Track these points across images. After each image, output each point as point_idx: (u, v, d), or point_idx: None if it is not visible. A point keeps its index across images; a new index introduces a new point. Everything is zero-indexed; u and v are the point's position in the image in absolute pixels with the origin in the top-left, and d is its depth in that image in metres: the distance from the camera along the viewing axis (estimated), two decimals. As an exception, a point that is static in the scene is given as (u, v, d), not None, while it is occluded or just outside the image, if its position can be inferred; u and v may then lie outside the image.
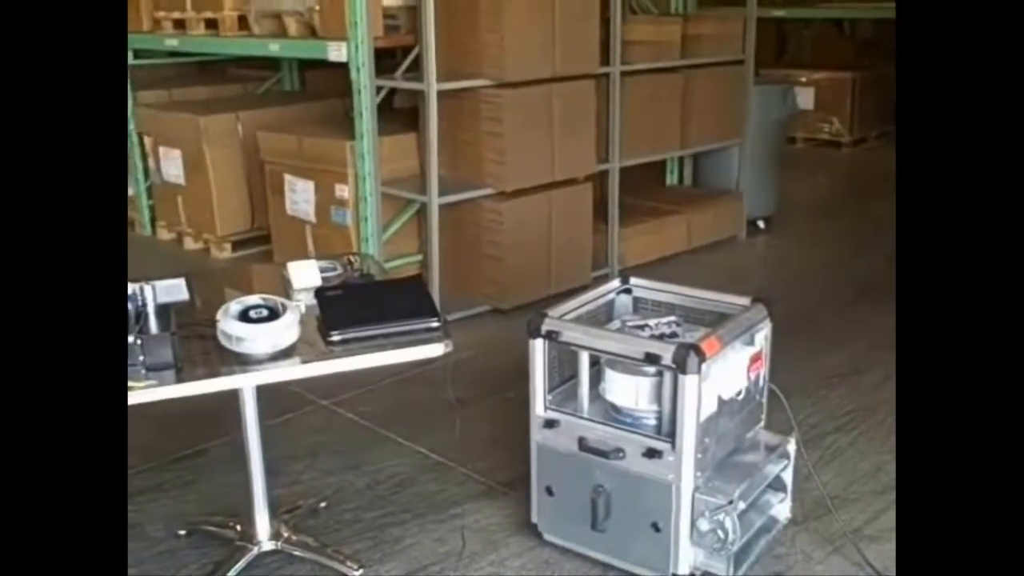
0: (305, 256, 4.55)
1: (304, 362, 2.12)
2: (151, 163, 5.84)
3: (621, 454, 2.33)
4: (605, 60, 4.68)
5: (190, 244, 5.71)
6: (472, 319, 4.32)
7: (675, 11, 5.83)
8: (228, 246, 5.52)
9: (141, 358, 2.00)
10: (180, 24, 5.27)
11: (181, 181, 5.61)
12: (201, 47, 5.28)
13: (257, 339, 2.05)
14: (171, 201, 5.75)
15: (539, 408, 2.48)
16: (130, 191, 6.09)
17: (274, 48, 4.72)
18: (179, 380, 2.01)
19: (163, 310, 2.18)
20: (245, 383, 2.28)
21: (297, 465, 3.08)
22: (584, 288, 2.80)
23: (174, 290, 2.37)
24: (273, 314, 2.11)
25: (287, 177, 4.86)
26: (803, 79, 8.49)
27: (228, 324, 2.07)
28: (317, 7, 4.36)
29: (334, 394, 3.53)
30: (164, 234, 5.91)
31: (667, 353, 2.22)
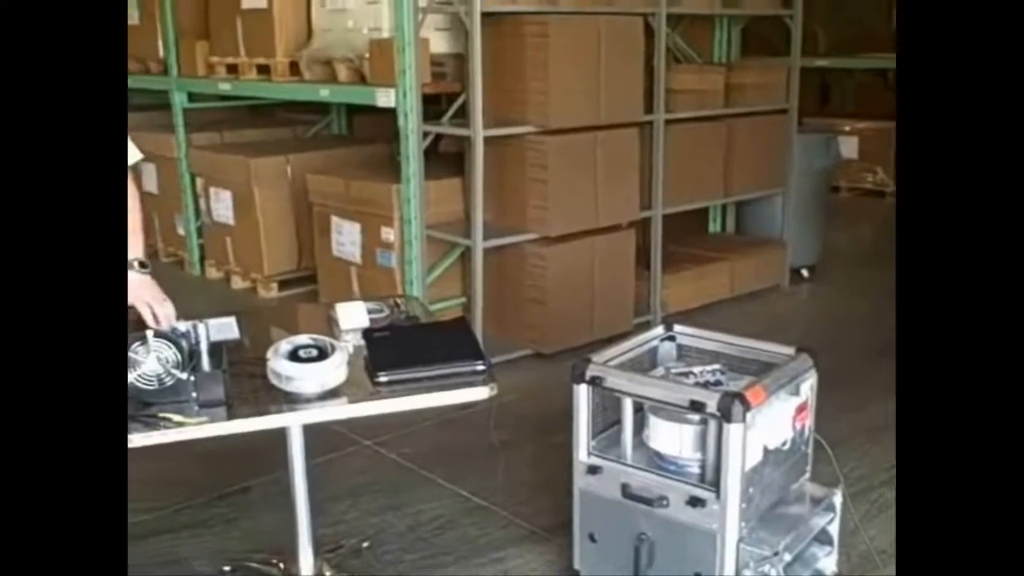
0: (350, 297, 4.62)
1: (352, 402, 2.15)
2: (202, 203, 5.97)
3: (665, 502, 2.32)
4: (649, 108, 4.72)
5: (238, 283, 5.81)
6: (514, 363, 4.34)
7: (719, 60, 5.88)
8: (275, 286, 5.61)
9: (194, 394, 2.04)
10: (233, 69, 5.42)
11: (230, 221, 5.73)
12: (253, 91, 5.42)
13: (306, 379, 2.08)
14: (220, 241, 5.86)
15: (582, 454, 2.48)
16: (180, 230, 6.23)
17: (324, 93, 4.84)
18: (230, 417, 2.04)
19: (215, 348, 2.22)
20: (293, 422, 2.31)
21: (340, 505, 3.10)
22: (626, 334, 2.81)
23: (225, 328, 2.42)
24: (322, 354, 2.14)
25: (334, 219, 4.94)
26: (847, 128, 8.48)
27: (278, 363, 2.10)
28: (367, 54, 4.46)
29: (377, 434, 3.56)
30: (213, 273, 6.02)
31: (712, 401, 2.22)
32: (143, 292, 2.25)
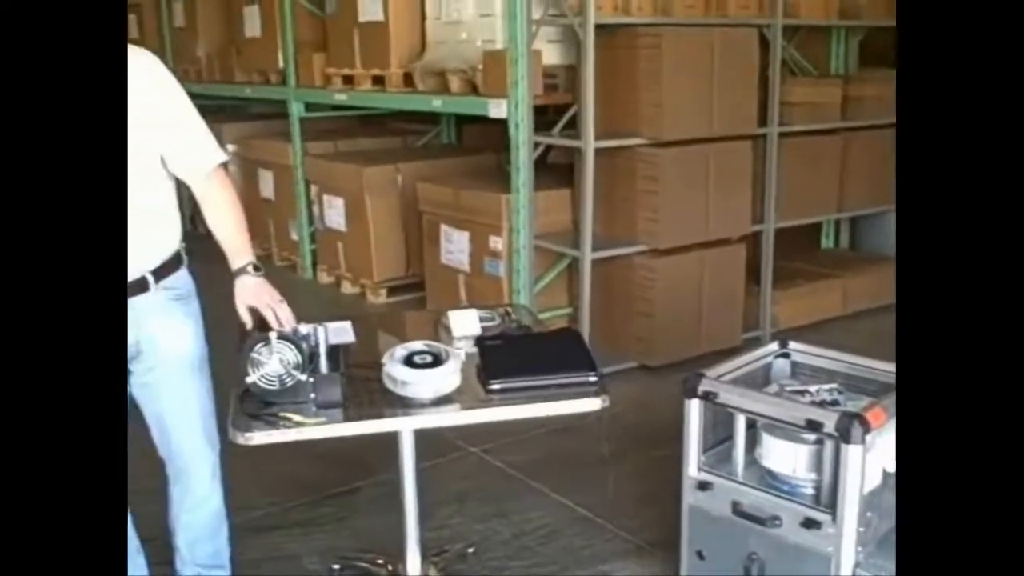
0: (457, 304, 4.68)
1: (464, 409, 2.17)
2: (315, 210, 6.13)
3: (777, 522, 2.27)
4: (763, 121, 4.64)
5: (348, 288, 5.94)
6: (619, 374, 4.31)
7: (835, 72, 5.74)
8: (383, 291, 5.72)
9: (313, 396, 2.09)
10: (349, 80, 5.55)
11: (342, 228, 5.87)
12: (368, 102, 5.56)
13: (421, 384, 2.11)
14: (332, 246, 6.01)
15: (692, 469, 2.45)
16: (294, 235, 6.42)
17: (437, 104, 4.92)
18: (346, 419, 2.08)
19: (333, 351, 2.27)
20: (407, 426, 2.34)
21: (445, 509, 3.13)
22: (735, 350, 2.77)
23: (342, 332, 2.48)
24: (436, 360, 2.17)
25: (443, 227, 5.01)
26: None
27: (394, 368, 2.14)
28: (480, 66, 4.52)
29: (483, 441, 3.59)
30: (324, 277, 6.18)
31: (830, 421, 2.16)
32: (262, 294, 2.28)
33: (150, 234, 2.23)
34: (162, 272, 2.24)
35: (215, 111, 8.14)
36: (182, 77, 8.05)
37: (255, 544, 2.93)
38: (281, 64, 6.17)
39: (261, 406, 2.07)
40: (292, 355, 2.10)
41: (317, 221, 6.17)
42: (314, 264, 6.31)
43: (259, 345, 2.09)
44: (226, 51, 7.03)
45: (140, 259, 2.19)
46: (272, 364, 2.09)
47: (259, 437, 1.98)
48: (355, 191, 5.69)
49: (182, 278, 2.32)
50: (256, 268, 2.30)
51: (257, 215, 6.89)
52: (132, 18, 8.36)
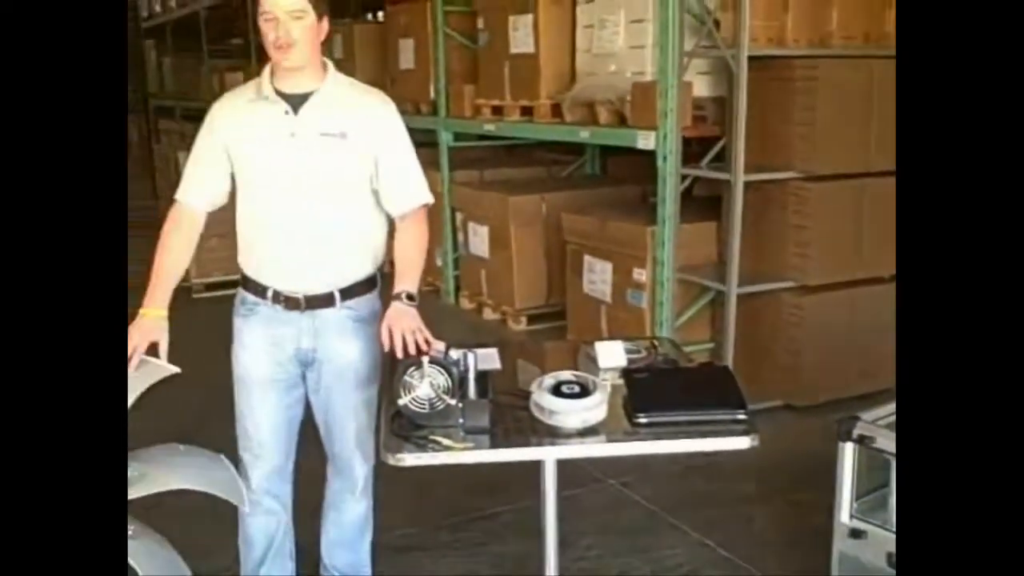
0: (598, 335, 4.68)
1: (610, 441, 2.16)
2: (460, 237, 6.26)
3: (935, 577, 2.16)
4: (923, 155, 4.46)
5: (489, 314, 6.03)
6: (762, 413, 4.19)
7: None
8: (524, 319, 5.77)
9: (461, 420, 2.13)
10: (498, 110, 5.66)
11: (486, 255, 5.97)
12: (516, 132, 5.64)
13: (569, 414, 2.11)
14: (475, 273, 6.12)
15: (844, 515, 2.36)
16: (439, 261, 6.56)
17: (584, 135, 4.95)
18: (493, 445, 2.11)
19: (481, 377, 2.31)
20: (553, 455, 2.34)
21: (584, 540, 3.12)
22: (887, 392, 2.66)
23: (489, 359, 2.51)
24: (584, 391, 2.17)
25: (587, 258, 5.02)
26: None
27: (542, 397, 2.15)
28: (629, 97, 4.52)
29: (622, 474, 3.56)
30: (466, 303, 6.29)
31: (997, 473, 2.05)
32: (405, 319, 2.33)
33: (347, 258, 2.43)
34: (349, 293, 2.43)
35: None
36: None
37: (393, 564, 2.99)
38: (432, 95, 6.35)
39: (411, 428, 2.12)
40: (443, 380, 2.14)
41: (461, 248, 6.30)
42: (457, 290, 6.43)
43: (411, 369, 2.15)
44: (380, 82, 7.27)
45: (333, 278, 2.41)
46: (423, 388, 2.13)
47: (410, 459, 2.03)
48: (500, 219, 5.78)
49: (367, 302, 2.48)
50: (410, 298, 2.38)
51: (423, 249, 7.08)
52: (294, 50, 8.79)
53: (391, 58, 7.00)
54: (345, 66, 7.82)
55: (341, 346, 2.45)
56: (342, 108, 2.37)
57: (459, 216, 6.28)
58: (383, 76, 7.23)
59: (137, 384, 2.19)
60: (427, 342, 2.28)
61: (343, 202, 2.40)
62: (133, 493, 2.04)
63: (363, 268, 2.46)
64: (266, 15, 2.26)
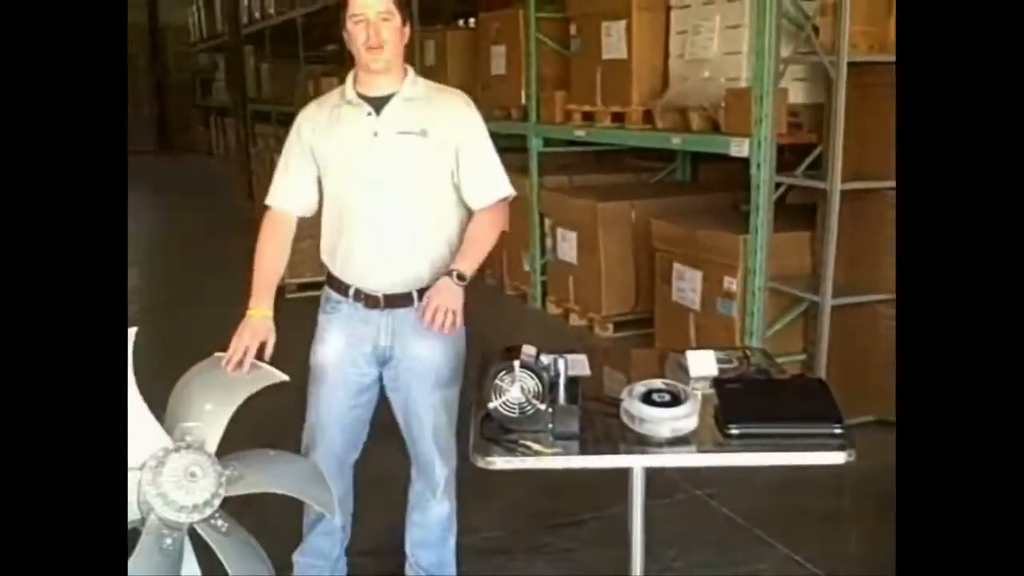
0: (686, 343, 4.63)
1: (700, 451, 2.13)
2: (548, 242, 6.27)
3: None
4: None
5: (575, 320, 6.02)
6: (855, 427, 4.06)
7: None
8: (611, 326, 5.74)
9: (551, 426, 2.13)
10: (589, 116, 5.66)
11: (573, 261, 5.96)
12: (607, 138, 5.63)
13: (660, 422, 2.10)
14: (562, 279, 6.12)
15: (943, 536, 2.28)
16: (526, 266, 6.58)
17: (676, 141, 4.91)
18: (582, 451, 2.11)
19: (571, 383, 2.31)
20: (642, 463, 2.33)
21: (669, 551, 3.09)
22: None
23: (579, 365, 2.51)
24: (675, 400, 2.15)
25: (676, 265, 4.98)
26: None
27: (632, 404, 2.14)
28: (723, 103, 4.47)
29: (708, 485, 3.52)
30: (552, 309, 6.29)
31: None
32: (442, 297, 2.34)
33: (426, 257, 2.46)
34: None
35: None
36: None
37: (477, 566, 3.01)
38: (523, 100, 6.38)
39: (501, 432, 2.13)
40: (533, 384, 2.15)
41: (549, 253, 6.31)
42: (543, 295, 6.44)
43: (502, 372, 2.16)
44: (471, 88, 7.33)
45: (412, 277, 2.45)
46: (514, 392, 2.14)
47: (500, 462, 2.04)
48: (588, 225, 5.77)
49: None
50: (460, 277, 2.39)
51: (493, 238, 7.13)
52: (387, 56, 8.94)
53: (483, 64, 7.06)
54: (437, 72, 7.99)
55: (418, 345, 2.48)
56: (422, 107, 2.43)
57: (547, 221, 6.29)
58: (474, 82, 7.30)
59: (245, 389, 2.26)
60: (453, 325, 2.33)
61: (424, 200, 2.45)
62: (230, 492, 2.11)
63: (443, 268, 2.46)
64: (356, 17, 2.34)
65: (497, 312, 6.55)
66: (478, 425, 2.16)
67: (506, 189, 2.53)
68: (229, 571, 2.10)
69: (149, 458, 2.02)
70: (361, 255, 2.47)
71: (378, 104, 2.42)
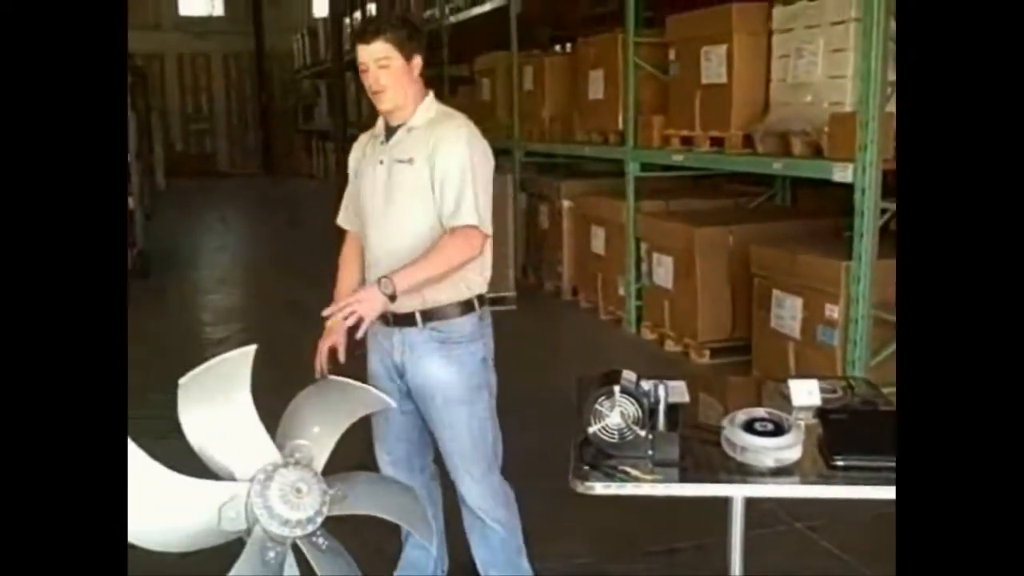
0: (785, 372, 4.54)
1: (803, 483, 2.09)
2: (644, 267, 6.24)
3: None
4: None
5: (670, 346, 5.96)
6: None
7: None
8: (707, 352, 5.67)
9: (650, 452, 2.12)
10: (687, 141, 5.63)
11: (669, 286, 5.92)
12: (706, 163, 5.59)
13: (762, 452, 2.07)
14: (658, 304, 6.08)
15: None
16: (621, 291, 6.55)
17: (777, 166, 4.85)
18: (682, 479, 2.09)
19: (671, 409, 2.29)
20: (743, 493, 2.29)
21: (768, 584, 3.02)
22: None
23: (678, 391, 2.49)
24: (778, 429, 2.12)
25: (775, 292, 4.89)
26: None
27: (734, 433, 2.12)
28: (826, 128, 4.40)
29: (809, 517, 3.43)
30: (647, 334, 6.25)
31: None
32: (358, 299, 2.38)
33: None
34: (431, 315, 2.54)
35: (551, 168, 8.60)
36: (526, 137, 8.57)
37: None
38: (620, 125, 6.38)
39: (599, 457, 2.13)
40: (633, 410, 2.14)
41: (644, 278, 6.27)
42: (638, 320, 6.40)
43: (602, 398, 2.16)
44: (568, 113, 7.40)
45: (413, 300, 2.51)
46: (613, 417, 2.14)
47: (599, 488, 2.04)
48: (685, 250, 5.72)
49: (456, 325, 2.56)
50: (385, 287, 2.38)
51: (587, 269, 7.15)
52: (485, 82, 9.08)
53: (580, 89, 7.11)
54: (535, 97, 8.08)
55: (426, 362, 2.57)
56: (419, 135, 2.55)
57: (643, 246, 6.26)
58: (572, 107, 7.35)
59: (354, 412, 2.33)
60: (355, 326, 2.37)
61: (415, 225, 2.54)
62: (333, 511, 2.16)
63: (445, 294, 2.54)
64: (361, 66, 2.52)
65: (591, 336, 6.54)
66: (577, 450, 2.17)
67: (467, 217, 2.49)
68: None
69: (259, 471, 2.08)
70: (371, 276, 2.59)
71: (391, 133, 2.60)
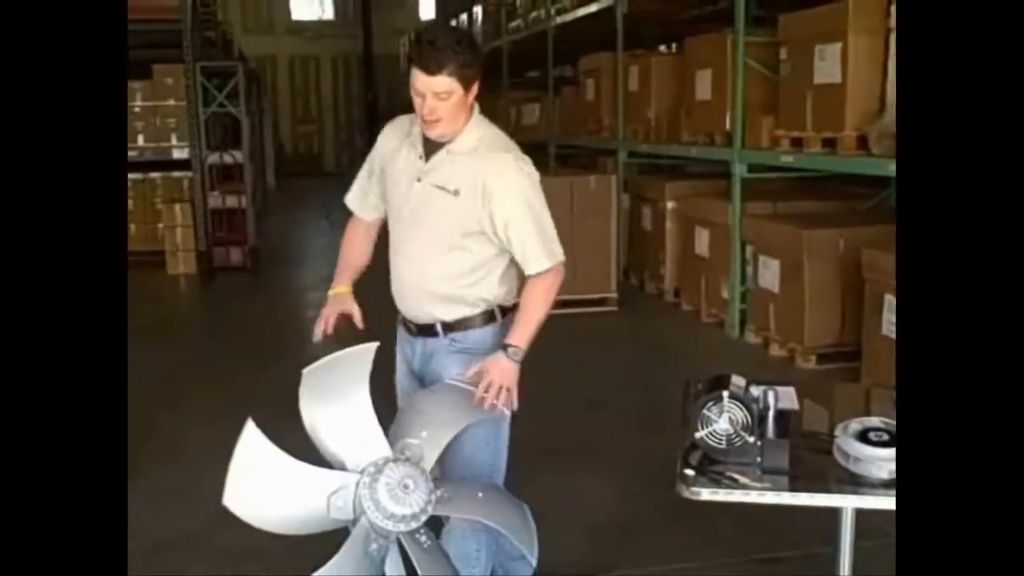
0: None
1: (920, 496, 2.03)
2: (749, 270, 6.13)
3: None
4: None
5: (775, 350, 5.84)
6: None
7: None
8: (813, 358, 5.53)
9: (758, 459, 2.08)
10: (797, 142, 5.50)
11: (775, 289, 5.80)
12: (817, 164, 5.45)
13: (877, 463, 2.01)
14: (763, 307, 5.96)
15: None
16: (724, 294, 6.45)
17: (893, 168, 4.68)
18: (792, 488, 2.05)
19: (780, 416, 2.25)
20: (855, 504, 2.23)
21: (878, 598, 2.93)
22: None
23: (787, 398, 2.44)
24: (893, 439, 2.05)
25: (887, 297, 4.74)
26: None
27: (847, 443, 2.06)
28: (946, 129, 4.24)
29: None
30: (751, 338, 6.14)
31: None
32: (496, 372, 2.39)
33: (447, 297, 2.52)
34: (453, 327, 2.53)
35: (654, 169, 8.53)
36: (631, 137, 8.48)
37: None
38: (728, 125, 6.28)
39: (706, 463, 2.10)
40: (742, 415, 2.11)
41: (750, 281, 6.16)
42: (742, 324, 6.29)
43: (710, 403, 2.13)
44: (675, 113, 7.32)
45: (435, 312, 2.53)
46: (721, 422, 2.11)
47: (706, 494, 2.01)
48: (792, 253, 5.60)
49: (475, 336, 2.54)
50: (514, 353, 2.42)
51: (690, 271, 7.06)
52: (590, 82, 9.04)
53: (687, 89, 7.02)
54: (640, 98, 8.00)
55: (444, 374, 2.53)
56: (463, 163, 2.45)
57: (749, 248, 6.15)
58: (678, 107, 7.27)
59: (467, 418, 2.37)
60: (508, 403, 2.39)
61: (448, 250, 2.49)
62: (438, 510, 2.19)
63: (467, 308, 2.52)
64: (415, 90, 2.37)
65: (693, 340, 6.46)
66: (683, 454, 2.14)
67: (539, 265, 2.47)
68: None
69: (369, 464, 2.13)
70: (395, 282, 2.60)
71: (431, 149, 2.48)
